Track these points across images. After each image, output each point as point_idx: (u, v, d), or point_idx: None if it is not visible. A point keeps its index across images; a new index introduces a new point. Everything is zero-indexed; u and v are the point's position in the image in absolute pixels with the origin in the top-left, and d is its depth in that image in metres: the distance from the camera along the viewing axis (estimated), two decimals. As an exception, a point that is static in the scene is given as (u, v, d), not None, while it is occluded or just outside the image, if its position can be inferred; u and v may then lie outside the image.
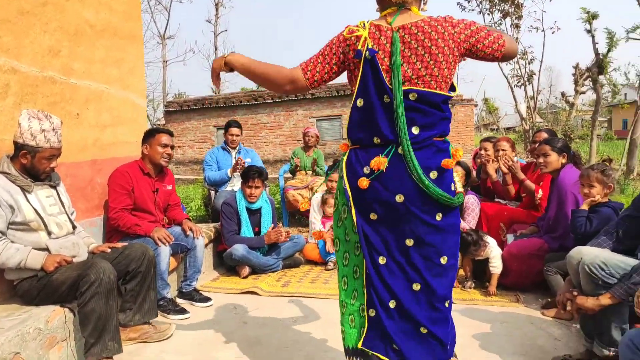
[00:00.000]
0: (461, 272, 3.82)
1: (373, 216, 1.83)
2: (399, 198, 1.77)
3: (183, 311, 3.22)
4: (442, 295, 1.82)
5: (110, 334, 2.39)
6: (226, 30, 24.05)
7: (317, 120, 13.63)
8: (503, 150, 4.50)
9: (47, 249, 2.48)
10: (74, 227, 2.71)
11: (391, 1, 1.79)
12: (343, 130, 13.25)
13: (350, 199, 1.84)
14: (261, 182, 4.21)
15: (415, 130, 1.76)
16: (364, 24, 1.79)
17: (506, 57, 1.85)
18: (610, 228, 2.41)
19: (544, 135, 4.17)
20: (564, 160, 3.40)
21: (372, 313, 1.86)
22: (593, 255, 2.15)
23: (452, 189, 1.81)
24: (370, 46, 1.75)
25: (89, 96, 3.37)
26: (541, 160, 3.42)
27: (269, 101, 13.86)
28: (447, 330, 1.87)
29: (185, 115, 14.90)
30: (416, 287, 1.82)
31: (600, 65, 11.22)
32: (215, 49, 24.47)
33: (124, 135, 3.77)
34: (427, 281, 1.81)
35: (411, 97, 1.75)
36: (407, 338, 1.83)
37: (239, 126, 5.33)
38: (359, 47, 1.76)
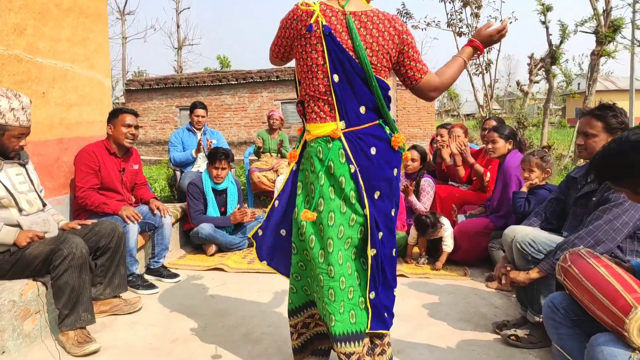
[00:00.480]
0: (416, 249, 4.08)
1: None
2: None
3: (152, 286, 3.34)
4: (389, 263, 2.00)
5: (83, 305, 2.51)
6: (189, 8, 23.47)
7: (281, 102, 13.69)
8: (457, 136, 4.79)
9: (18, 225, 2.55)
10: (44, 205, 2.78)
11: None
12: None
13: (360, 179, 1.87)
14: (227, 164, 4.33)
15: (362, 110, 1.89)
16: (314, 1, 1.87)
17: (421, 88, 1.93)
18: (539, 210, 2.70)
19: (493, 123, 4.47)
20: (510, 147, 3.69)
21: (372, 295, 1.92)
22: (524, 233, 2.42)
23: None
24: (324, 23, 1.83)
25: (55, 75, 3.39)
26: (490, 146, 3.70)
27: (233, 82, 13.81)
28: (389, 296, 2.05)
29: (146, 94, 14.64)
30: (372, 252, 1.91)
31: (553, 56, 11.75)
32: (178, 26, 23.96)
33: (89, 114, 3.81)
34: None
35: (373, 77, 1.86)
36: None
37: (204, 107, 5.40)
38: (311, 22, 1.83)
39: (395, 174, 1.97)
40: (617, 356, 1.47)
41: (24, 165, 2.73)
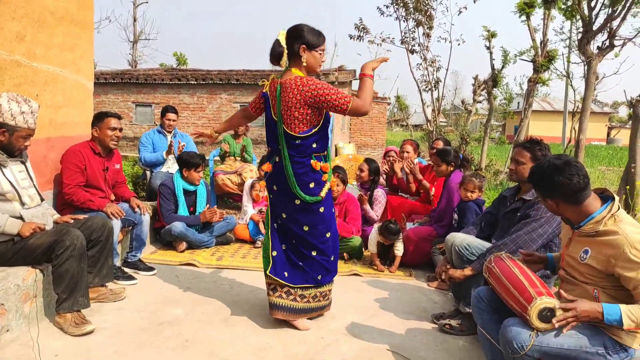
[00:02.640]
0: (367, 253, 4.59)
1: (270, 195, 2.95)
2: (275, 187, 2.87)
3: (131, 278, 3.65)
4: (310, 246, 2.89)
5: (80, 291, 2.82)
6: (147, 2, 23.12)
7: (240, 105, 13.94)
8: (407, 152, 5.38)
9: (21, 218, 2.82)
10: (42, 199, 3.06)
11: (282, 66, 2.80)
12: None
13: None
14: (204, 167, 4.69)
15: (288, 149, 2.76)
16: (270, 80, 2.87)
17: (353, 112, 2.67)
18: (476, 221, 3.29)
19: (441, 143, 5.10)
20: (451, 168, 4.32)
21: (274, 253, 2.91)
22: (461, 239, 2.98)
23: (314, 192, 2.81)
24: (265, 90, 2.84)
25: (47, 79, 3.64)
26: (435, 168, 4.33)
27: (192, 82, 13.93)
28: (313, 266, 2.92)
29: (101, 88, 14.44)
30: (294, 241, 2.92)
31: (494, 80, 12.78)
32: (134, 20, 23.57)
33: (74, 115, 4.05)
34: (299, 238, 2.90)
35: (282, 131, 2.73)
36: (290, 267, 2.92)
37: (176, 112, 5.71)
38: (263, 91, 2.88)
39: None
40: (521, 334, 2.00)
41: (24, 163, 3.00)
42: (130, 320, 2.97)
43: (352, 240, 4.50)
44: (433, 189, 4.72)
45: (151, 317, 3.02)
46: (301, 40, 2.70)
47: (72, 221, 3.12)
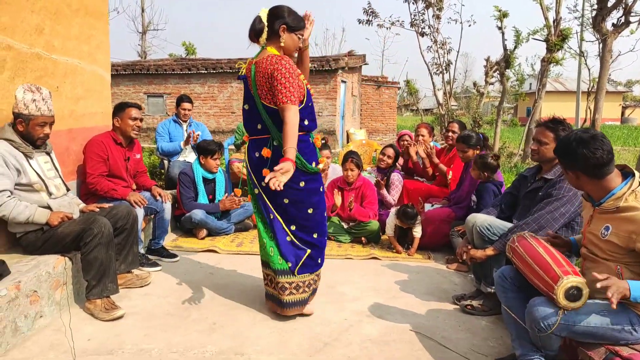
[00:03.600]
0: (384, 237, 4.62)
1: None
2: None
3: (155, 264, 3.73)
4: (312, 231, 2.84)
5: (109, 277, 2.89)
6: (155, -8, 23.17)
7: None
8: (422, 135, 5.37)
9: (48, 207, 2.89)
10: (67, 189, 3.12)
11: (260, 43, 2.74)
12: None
13: (252, 174, 2.83)
14: (221, 154, 4.73)
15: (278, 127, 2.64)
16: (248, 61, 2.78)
17: (281, 112, 2.55)
18: (496, 202, 3.30)
19: (456, 126, 5.06)
20: (477, 152, 4.29)
21: (283, 249, 2.82)
22: (482, 219, 2.99)
23: (313, 165, 2.76)
24: (242, 73, 2.76)
25: (66, 71, 3.69)
26: (460, 154, 4.31)
27: (202, 71, 13.94)
28: (315, 251, 2.87)
29: (112, 80, 14.42)
30: (293, 227, 2.81)
31: (507, 61, 12.63)
32: (142, 10, 23.57)
33: (92, 106, 4.10)
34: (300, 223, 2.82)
35: (262, 106, 2.65)
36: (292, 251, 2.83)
37: (190, 101, 5.74)
38: (240, 74, 2.79)
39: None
40: (547, 313, 2.02)
41: (49, 154, 3.06)
42: (157, 305, 3.04)
43: (369, 224, 4.53)
44: (450, 172, 4.71)
45: (177, 302, 3.09)
46: (282, 20, 2.68)
47: (98, 210, 3.19)
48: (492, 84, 15.02)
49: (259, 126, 2.72)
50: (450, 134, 4.99)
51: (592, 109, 8.59)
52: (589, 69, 9.82)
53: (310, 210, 2.81)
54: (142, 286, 3.32)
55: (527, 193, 3.06)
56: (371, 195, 4.68)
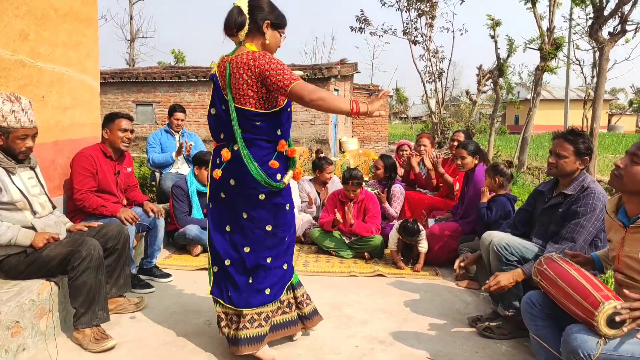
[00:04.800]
0: (387, 251, 4.43)
1: (222, 195, 2.48)
2: (232, 182, 2.40)
3: (148, 285, 3.49)
4: (265, 254, 2.48)
5: (99, 304, 2.65)
6: (143, 0, 22.83)
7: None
8: (424, 146, 5.21)
9: (32, 228, 2.65)
10: (53, 207, 2.88)
11: (237, 39, 2.41)
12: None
13: (208, 185, 2.55)
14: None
15: (243, 133, 2.35)
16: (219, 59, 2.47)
17: (294, 96, 2.24)
18: (510, 220, 3.13)
19: (462, 135, 4.91)
20: (476, 161, 4.12)
21: (215, 269, 2.54)
22: (499, 237, 2.79)
23: (278, 178, 2.42)
24: (213, 72, 2.44)
25: (52, 79, 3.46)
26: (459, 161, 4.12)
27: (192, 79, 13.72)
28: (267, 277, 2.51)
29: (100, 88, 14.23)
30: (246, 249, 2.47)
31: (500, 69, 12.59)
32: (131, 18, 23.28)
33: (80, 116, 3.87)
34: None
35: (233, 107, 2.34)
36: (238, 285, 2.48)
37: (184, 111, 5.52)
38: (211, 72, 2.46)
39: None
40: (587, 342, 1.84)
41: (33, 169, 2.83)
42: (151, 333, 2.80)
43: (372, 239, 4.34)
44: (457, 183, 4.54)
45: (173, 329, 2.86)
46: (266, 15, 2.39)
47: (87, 229, 2.96)
48: (484, 92, 15.01)
49: (222, 135, 2.44)
50: (455, 143, 4.83)
51: (588, 118, 8.51)
52: (584, 77, 9.75)
53: (268, 228, 2.47)
54: (135, 311, 3.08)
55: (545, 209, 2.89)
56: (374, 208, 4.49)
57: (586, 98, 8.83)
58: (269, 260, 2.49)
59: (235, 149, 2.36)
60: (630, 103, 42.34)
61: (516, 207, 3.63)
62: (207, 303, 3.25)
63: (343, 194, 4.52)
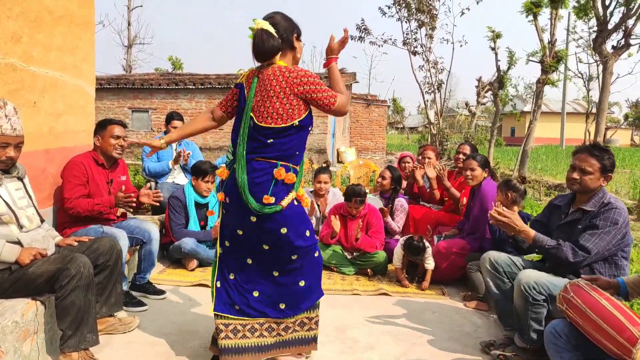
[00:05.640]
0: (391, 267, 4.26)
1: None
2: (227, 199, 2.41)
3: (140, 303, 3.30)
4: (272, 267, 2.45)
5: (88, 326, 2.47)
6: (142, 6, 22.69)
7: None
8: (429, 158, 5.06)
9: (19, 243, 2.47)
10: (42, 220, 2.71)
11: (272, 62, 2.33)
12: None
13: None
14: (213, 177, 4.34)
15: (248, 150, 2.30)
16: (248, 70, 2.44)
17: (337, 111, 2.33)
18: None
19: (467, 148, 4.76)
20: (485, 175, 3.97)
21: (218, 284, 2.52)
22: (527, 277, 2.53)
23: (267, 202, 2.29)
24: (240, 81, 2.40)
25: (45, 84, 3.30)
26: (468, 173, 3.95)
27: (190, 87, 13.57)
28: (276, 293, 2.49)
29: (96, 94, 14.05)
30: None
31: (501, 81, 12.53)
32: (129, 24, 23.15)
33: (74, 124, 3.71)
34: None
35: (250, 123, 2.29)
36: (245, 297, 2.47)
37: (182, 119, 5.36)
38: (237, 81, 2.45)
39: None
40: (621, 380, 1.69)
41: (21, 179, 2.65)
42: (142, 356, 2.62)
43: (376, 255, 4.18)
44: (464, 198, 4.39)
45: (167, 353, 2.68)
46: (293, 29, 2.36)
47: (77, 244, 2.78)
48: (484, 104, 14.96)
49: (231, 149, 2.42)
50: (461, 156, 4.69)
51: (590, 132, 8.41)
52: (587, 91, 9.68)
53: (265, 247, 2.41)
54: (126, 332, 2.90)
55: (562, 225, 2.74)
56: (377, 223, 4.33)
57: (588, 112, 8.74)
58: (275, 274, 2.46)
59: (235, 166, 2.32)
60: (626, 117, 42.55)
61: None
62: (204, 323, 3.08)
63: (345, 208, 4.36)
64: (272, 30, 2.25)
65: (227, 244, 2.50)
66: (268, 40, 2.24)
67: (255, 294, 2.45)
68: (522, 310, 2.53)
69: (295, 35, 2.36)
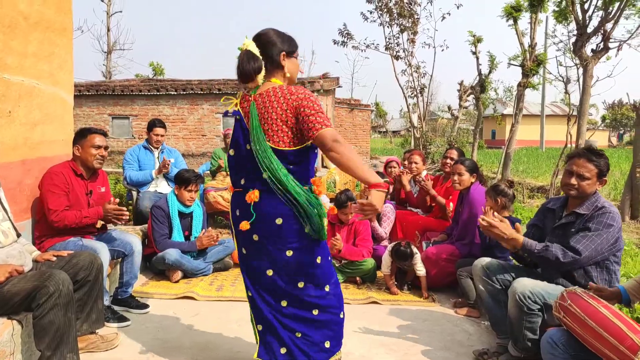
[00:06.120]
0: (379, 273, 4.21)
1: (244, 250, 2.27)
2: (255, 236, 2.17)
3: (123, 318, 3.19)
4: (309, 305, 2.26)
5: (68, 345, 2.35)
6: (121, 12, 22.43)
7: (223, 116, 13.47)
8: (415, 163, 5.03)
9: (-7, 259, 2.35)
10: (18, 235, 2.59)
11: (256, 84, 2.21)
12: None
13: (234, 235, 2.31)
14: (197, 186, 4.24)
15: (264, 175, 2.11)
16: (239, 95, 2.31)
17: (318, 140, 2.02)
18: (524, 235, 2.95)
19: (455, 153, 4.74)
20: (473, 179, 3.95)
21: (260, 327, 2.30)
22: (522, 285, 2.48)
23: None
24: (236, 109, 2.25)
25: (21, 92, 3.17)
26: (455, 178, 3.93)
27: (172, 92, 13.39)
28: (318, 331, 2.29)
29: (76, 100, 13.77)
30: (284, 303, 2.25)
31: (482, 85, 12.63)
32: (108, 30, 22.83)
33: (52, 133, 3.58)
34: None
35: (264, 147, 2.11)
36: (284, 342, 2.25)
37: (164, 126, 5.25)
38: (234, 109, 2.27)
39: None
40: (622, 390, 1.65)
41: (-5, 193, 2.53)
42: (128, 376, 2.51)
43: (364, 263, 4.11)
44: (451, 204, 4.36)
45: (152, 371, 2.57)
46: (279, 47, 2.22)
47: (55, 259, 2.66)
48: (466, 107, 15.09)
49: (243, 180, 2.22)
50: (448, 160, 4.66)
51: (572, 134, 8.50)
52: (568, 94, 9.79)
53: (301, 285, 2.23)
54: (109, 349, 2.78)
55: (555, 228, 2.71)
56: (365, 231, 4.27)
57: (569, 114, 8.83)
58: (315, 312, 2.26)
59: (259, 199, 2.13)
60: (603, 119, 43.43)
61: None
62: (189, 338, 2.99)
63: (333, 216, 4.30)
64: (255, 51, 2.18)
65: (255, 290, 2.32)
66: (249, 62, 2.16)
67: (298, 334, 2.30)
68: (517, 319, 2.49)
69: (284, 53, 2.23)
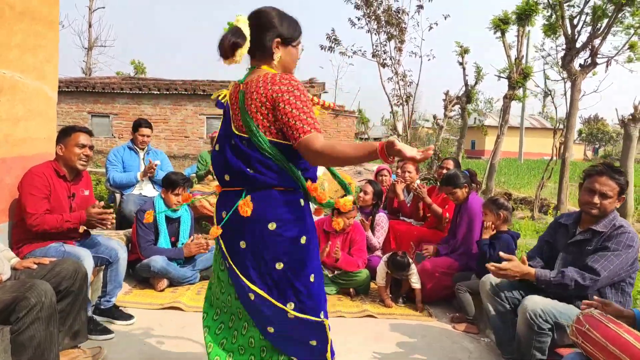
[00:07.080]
0: (373, 285, 4.10)
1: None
2: (242, 244, 1.94)
3: (106, 331, 2.99)
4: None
5: (49, 363, 2.17)
6: (104, 7, 21.95)
7: (207, 117, 13.24)
8: (409, 172, 4.94)
9: (-32, 267, 2.16)
10: (-4, 241, 2.39)
11: (234, 62, 1.90)
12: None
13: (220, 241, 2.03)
14: (184, 189, 4.05)
15: (250, 171, 1.90)
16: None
17: (302, 147, 1.77)
18: (531, 253, 2.87)
19: (451, 163, 4.69)
20: (466, 191, 3.88)
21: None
22: (534, 303, 2.42)
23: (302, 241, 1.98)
24: (224, 100, 2.05)
25: (3, 85, 2.97)
26: (451, 197, 3.89)
27: (154, 92, 13.10)
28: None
29: (53, 97, 13.41)
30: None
31: (468, 95, 12.70)
32: (89, 25, 22.32)
33: (35, 130, 3.37)
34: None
35: (245, 142, 1.90)
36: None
37: (150, 126, 5.05)
38: (221, 99, 2.09)
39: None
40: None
41: (-28, 194, 2.33)
42: (112, 395, 2.33)
43: (359, 274, 3.99)
44: (447, 214, 4.28)
45: (139, 389, 2.40)
46: (274, 31, 1.93)
47: (36, 267, 2.47)
48: (451, 117, 15.17)
49: (227, 177, 1.97)
50: (444, 171, 4.59)
51: (558, 147, 8.58)
52: (555, 107, 9.90)
53: (312, 279, 2.01)
54: (92, 365, 2.59)
55: (569, 245, 2.64)
56: (360, 240, 4.15)
57: (556, 127, 8.92)
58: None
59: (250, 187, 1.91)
60: (580, 132, 44.41)
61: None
62: (177, 352, 2.82)
63: (328, 224, 4.17)
64: (245, 30, 1.88)
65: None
66: (230, 37, 1.86)
67: None
68: (526, 338, 2.40)
69: (278, 40, 1.94)
